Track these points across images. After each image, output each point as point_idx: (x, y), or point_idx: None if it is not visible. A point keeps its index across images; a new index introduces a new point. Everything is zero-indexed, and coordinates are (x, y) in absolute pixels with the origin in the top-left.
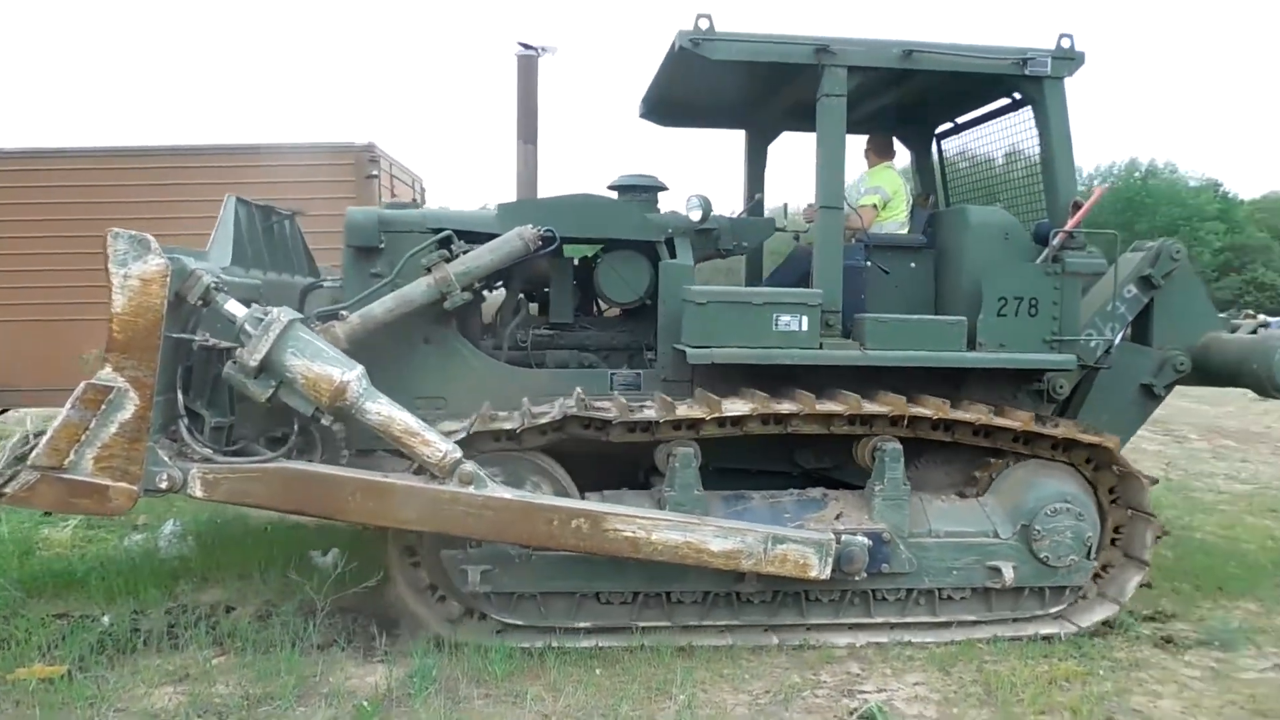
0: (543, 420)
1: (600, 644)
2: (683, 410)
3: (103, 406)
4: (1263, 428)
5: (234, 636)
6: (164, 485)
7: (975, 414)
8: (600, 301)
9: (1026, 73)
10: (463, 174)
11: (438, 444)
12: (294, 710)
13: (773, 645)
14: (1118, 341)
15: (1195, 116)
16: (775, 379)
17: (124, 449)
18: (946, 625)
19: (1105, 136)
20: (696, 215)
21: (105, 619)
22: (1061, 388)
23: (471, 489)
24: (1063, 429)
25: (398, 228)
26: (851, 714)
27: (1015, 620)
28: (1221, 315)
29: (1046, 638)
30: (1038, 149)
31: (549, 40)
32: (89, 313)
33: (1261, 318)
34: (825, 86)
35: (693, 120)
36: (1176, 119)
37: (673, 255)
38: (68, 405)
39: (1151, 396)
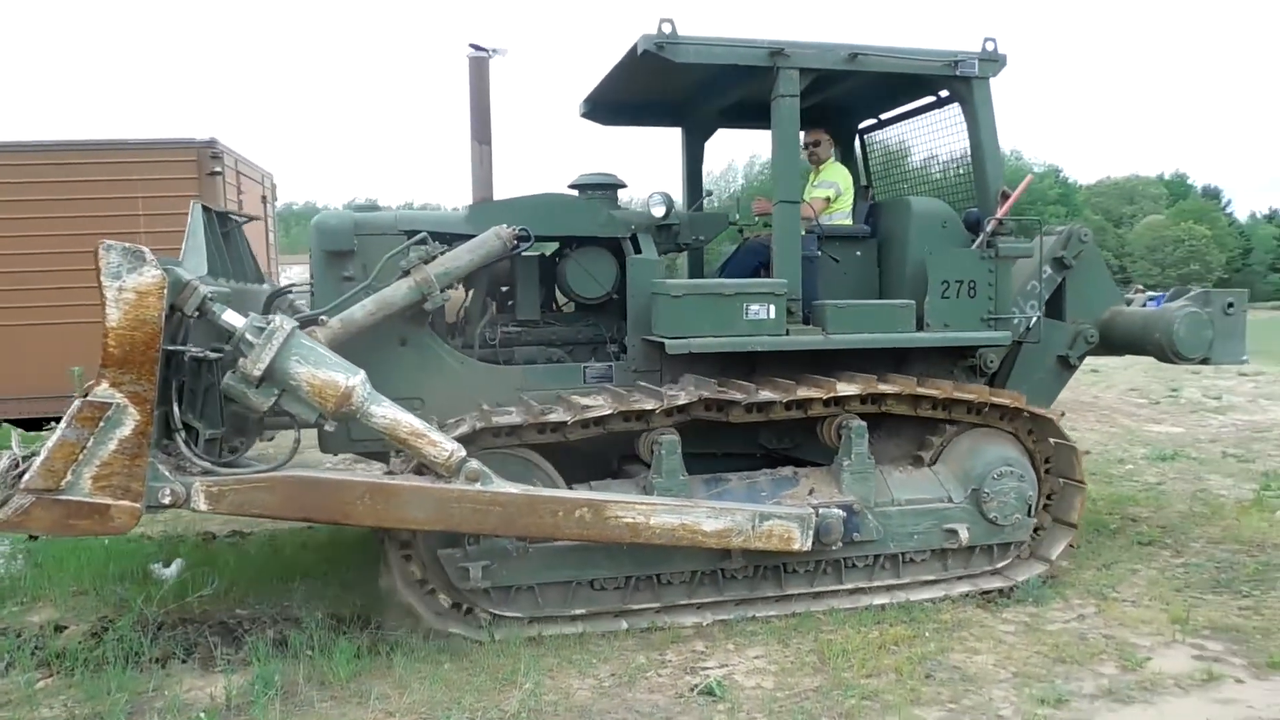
0: (679, 402)
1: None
2: (802, 391)
3: (100, 424)
4: (1091, 397)
5: (63, 657)
6: (167, 501)
7: (974, 391)
8: (567, 297)
9: (957, 73)
10: (404, 174)
11: (444, 444)
12: None
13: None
14: (1035, 319)
15: (1036, 106)
16: (741, 365)
17: (124, 466)
18: (908, 586)
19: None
20: (660, 211)
21: None
22: (992, 362)
23: (478, 486)
24: (1011, 399)
25: (370, 230)
26: (692, 690)
27: (967, 577)
28: None
29: (881, 606)
30: (956, 144)
31: (498, 42)
32: None
33: (1148, 293)
34: (780, 87)
35: (633, 119)
36: (1019, 109)
37: (637, 250)
38: (63, 424)
39: (1067, 367)
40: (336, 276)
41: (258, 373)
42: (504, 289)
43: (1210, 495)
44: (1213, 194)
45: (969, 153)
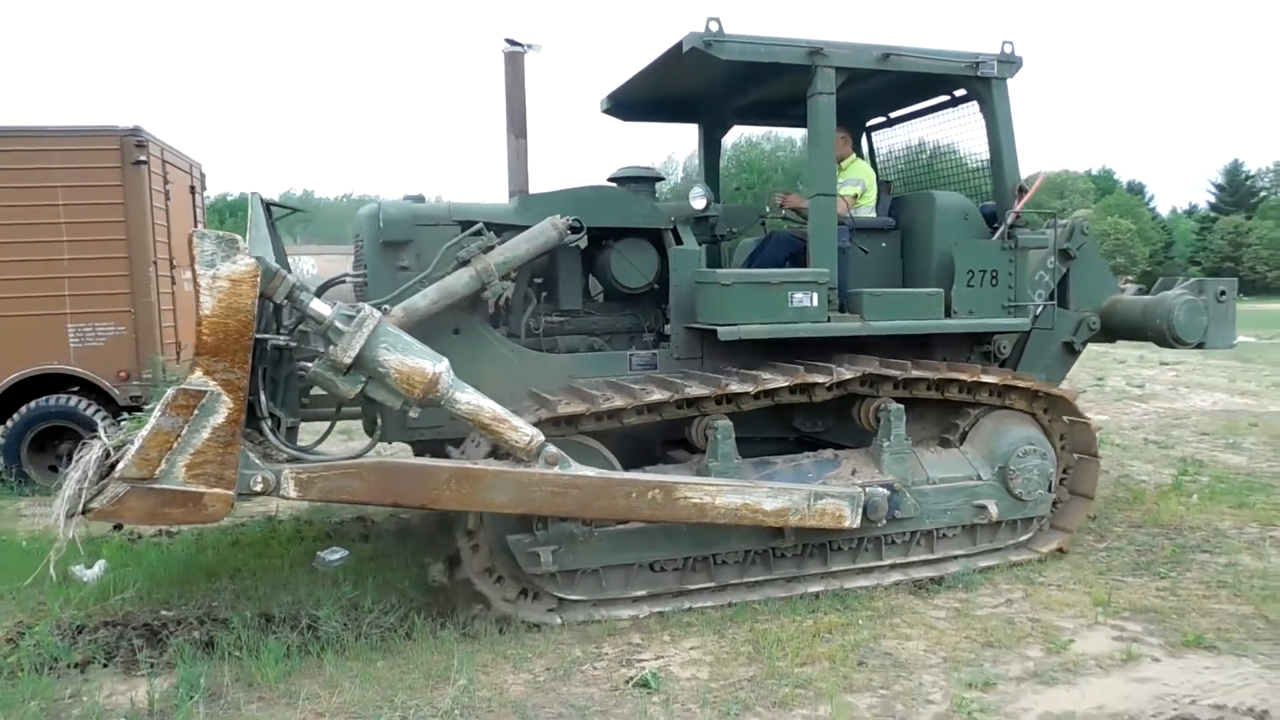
0: (845, 377)
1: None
2: (951, 373)
3: (195, 412)
4: None
5: None
6: (259, 488)
7: (1028, 378)
8: (611, 287)
9: (979, 74)
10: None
11: (524, 429)
12: None
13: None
14: (1044, 306)
15: None
16: (779, 351)
17: (218, 454)
18: (943, 560)
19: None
20: (700, 203)
21: None
22: (1005, 348)
23: (557, 469)
24: (1032, 382)
25: (427, 221)
26: (628, 682)
27: (994, 550)
28: None
29: (816, 594)
30: (967, 141)
31: (531, 37)
32: None
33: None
34: (817, 85)
35: (652, 116)
36: None
37: (679, 241)
38: (157, 412)
39: (1072, 352)
40: (392, 266)
41: (348, 360)
42: (537, 280)
43: (1132, 481)
44: (1137, 189)
45: (977, 150)
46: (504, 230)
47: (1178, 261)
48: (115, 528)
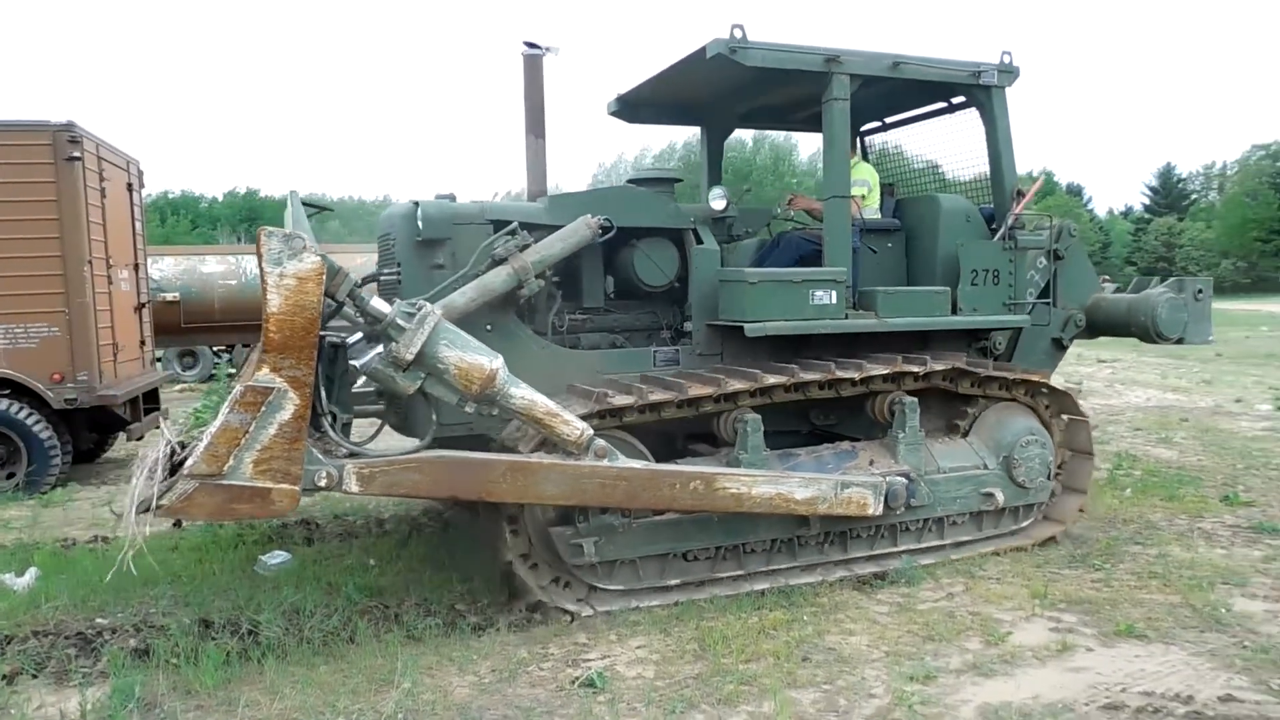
0: (935, 368)
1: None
2: (1015, 374)
3: (262, 408)
4: None
5: None
6: (323, 483)
7: (1040, 374)
8: (636, 285)
9: (980, 82)
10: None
11: (575, 423)
12: None
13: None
14: (1034, 304)
15: None
16: (793, 346)
17: (284, 450)
18: (955, 545)
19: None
20: (720, 204)
21: None
22: (1000, 344)
23: (606, 462)
24: (1039, 377)
25: (463, 220)
26: (574, 682)
27: (998, 536)
28: None
29: (761, 591)
30: (962, 146)
31: (549, 40)
32: None
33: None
34: (833, 91)
35: (658, 118)
36: None
37: (699, 241)
38: (225, 409)
39: (1060, 348)
40: (427, 264)
41: (410, 356)
42: (555, 279)
43: None
44: (1076, 191)
45: (968, 155)
46: (534, 229)
47: (1114, 262)
48: (175, 524)
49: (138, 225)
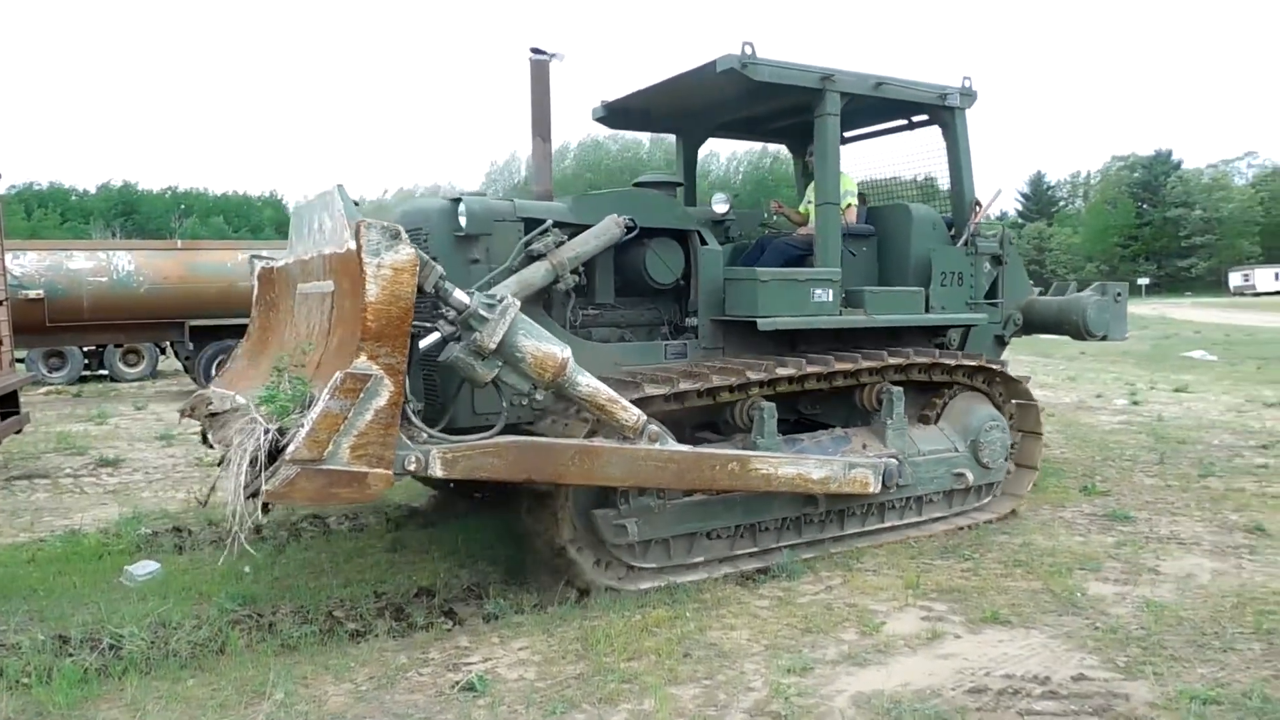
0: (983, 365)
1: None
2: (982, 363)
3: (360, 395)
4: None
5: None
6: (412, 467)
7: (1000, 363)
8: (648, 283)
9: (945, 103)
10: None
11: (631, 410)
12: None
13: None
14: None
15: None
16: (795, 340)
17: (379, 435)
18: (929, 521)
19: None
20: (723, 208)
21: None
22: (954, 340)
23: (658, 446)
24: (999, 368)
25: (501, 217)
26: (454, 687)
27: (966, 512)
28: None
29: (645, 590)
30: (917, 161)
31: (556, 47)
32: None
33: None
34: (826, 107)
35: (640, 125)
36: None
37: (704, 243)
38: (325, 396)
39: (1001, 344)
40: (465, 259)
41: (493, 345)
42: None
43: None
44: None
45: (932, 168)
46: (561, 227)
47: None
48: (263, 510)
49: None
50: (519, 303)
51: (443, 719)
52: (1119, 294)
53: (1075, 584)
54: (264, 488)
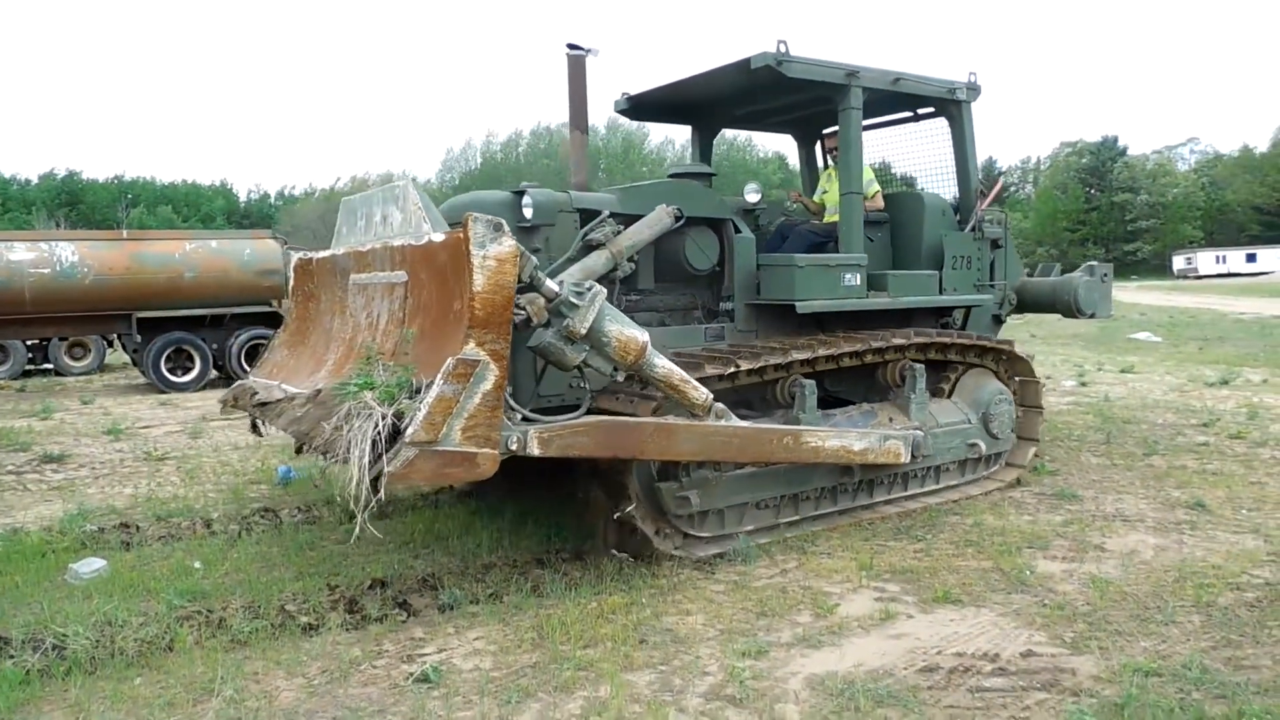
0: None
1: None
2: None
3: (470, 379)
4: None
5: None
6: (514, 447)
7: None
8: (685, 269)
9: (953, 97)
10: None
11: (701, 389)
12: None
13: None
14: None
15: None
16: (822, 321)
17: (487, 417)
18: (945, 489)
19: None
20: (755, 197)
21: None
22: (958, 320)
23: (724, 422)
24: (1008, 346)
25: (561, 208)
26: (408, 679)
27: (976, 480)
28: None
29: (600, 576)
30: (920, 150)
31: (590, 42)
32: None
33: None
34: (850, 100)
35: (662, 118)
36: None
37: (738, 231)
38: (439, 381)
39: (998, 323)
40: (528, 249)
41: (583, 330)
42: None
43: None
44: (909, 182)
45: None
46: (613, 218)
47: None
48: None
49: None
50: (605, 290)
51: (396, 711)
52: (1105, 275)
53: (1024, 562)
54: (386, 469)
